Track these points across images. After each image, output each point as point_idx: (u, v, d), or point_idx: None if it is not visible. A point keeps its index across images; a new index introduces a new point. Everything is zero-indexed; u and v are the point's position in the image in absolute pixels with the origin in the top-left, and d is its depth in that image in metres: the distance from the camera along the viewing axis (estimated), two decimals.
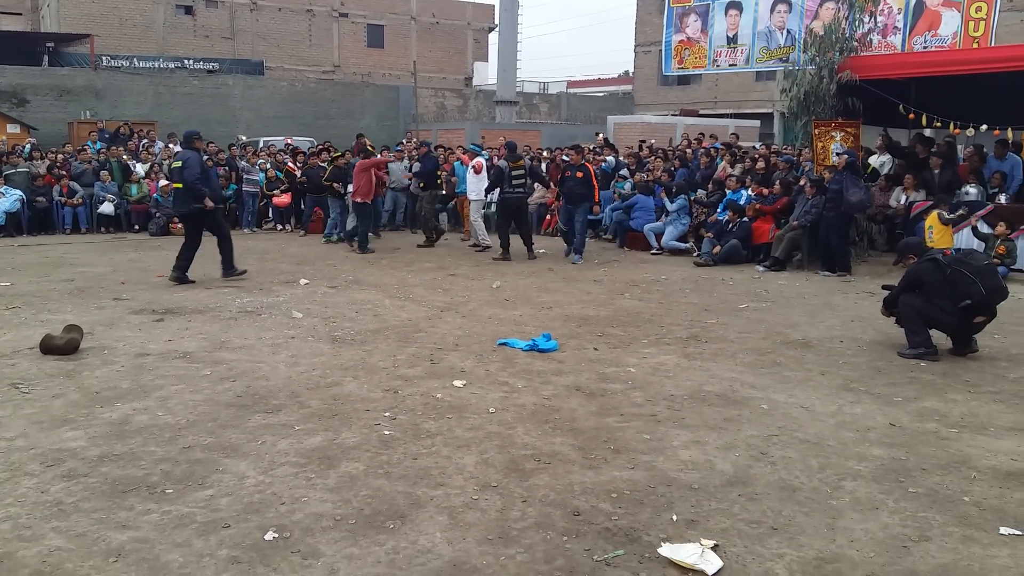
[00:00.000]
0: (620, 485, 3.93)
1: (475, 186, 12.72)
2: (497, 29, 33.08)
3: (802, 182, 11.04)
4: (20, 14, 35.09)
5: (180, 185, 9.37)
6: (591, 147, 17.31)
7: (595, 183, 11.59)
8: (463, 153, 15.24)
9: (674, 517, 3.61)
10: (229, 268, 9.73)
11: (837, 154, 10.71)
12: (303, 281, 9.58)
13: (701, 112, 30.05)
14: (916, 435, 4.69)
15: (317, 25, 37.38)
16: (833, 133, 11.19)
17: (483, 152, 13.90)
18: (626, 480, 3.99)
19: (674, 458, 4.27)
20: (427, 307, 8.24)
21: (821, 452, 4.40)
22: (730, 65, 20.21)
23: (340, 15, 37.87)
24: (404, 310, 8.08)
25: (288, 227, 15.51)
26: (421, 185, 13.67)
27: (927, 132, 12.04)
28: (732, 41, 19.62)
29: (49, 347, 6.16)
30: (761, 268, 10.83)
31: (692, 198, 12.70)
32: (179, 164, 9.44)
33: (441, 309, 8.13)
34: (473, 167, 12.82)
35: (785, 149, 15.24)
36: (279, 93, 29.17)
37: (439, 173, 13.89)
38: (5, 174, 14.38)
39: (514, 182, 11.68)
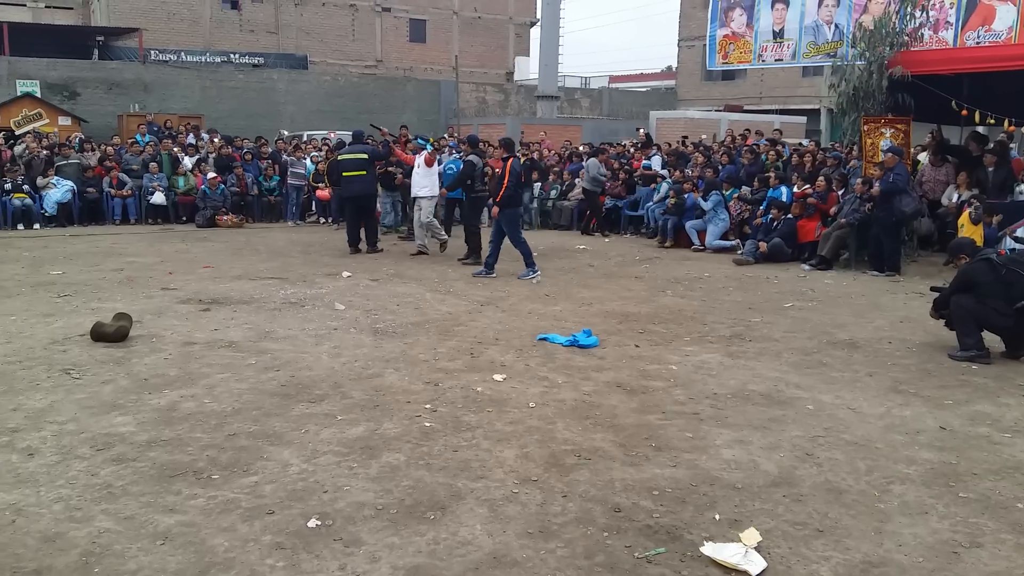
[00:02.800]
0: (662, 483, 3.89)
1: (426, 180, 11.35)
2: (539, 24, 33.02)
3: (857, 184, 10.78)
4: (71, 8, 35.87)
5: (364, 172, 11.48)
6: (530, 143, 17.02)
7: (506, 181, 9.54)
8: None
9: (717, 516, 3.57)
10: (374, 246, 11.77)
11: (884, 151, 10.49)
12: (345, 274, 9.66)
13: (746, 108, 29.65)
14: (967, 439, 4.57)
15: (360, 20, 37.64)
16: (883, 130, 10.95)
17: (430, 144, 12.84)
18: (668, 478, 3.95)
19: (717, 457, 4.22)
20: (467, 301, 8.25)
21: (869, 454, 4.31)
22: (776, 60, 19.90)
23: (383, 10, 38.09)
24: (444, 304, 8.11)
25: (330, 220, 15.66)
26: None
27: (980, 129, 11.72)
28: (778, 36, 19.31)
29: (100, 334, 6.30)
30: (807, 267, 10.65)
31: (736, 195, 12.52)
32: (364, 156, 11.56)
33: (481, 303, 8.14)
34: (424, 160, 11.47)
35: (833, 146, 14.97)
36: (322, 87, 29.49)
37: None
38: (57, 165, 14.74)
39: (484, 180, 11.12)
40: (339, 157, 12.63)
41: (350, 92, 29.80)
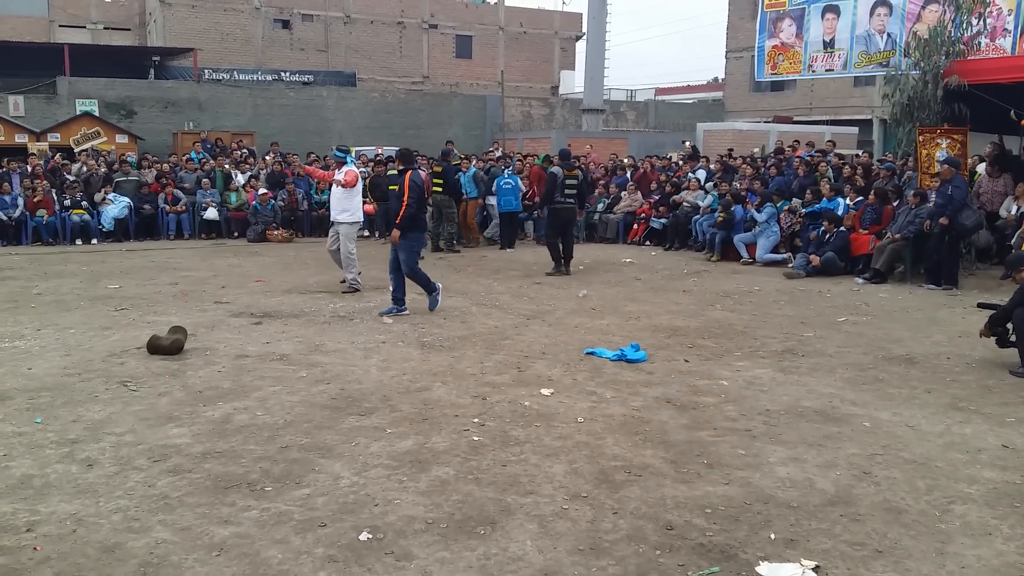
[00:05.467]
0: (714, 500, 3.83)
1: (346, 203, 9.51)
2: (585, 37, 33.07)
3: (910, 196, 10.54)
4: (129, 29, 37.04)
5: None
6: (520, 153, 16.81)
7: (405, 199, 8.15)
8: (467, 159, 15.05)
9: (772, 535, 3.49)
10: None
11: (940, 162, 10.24)
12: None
13: (796, 119, 29.22)
14: None
15: (407, 37, 38.15)
16: (939, 140, 10.71)
17: (351, 157, 10.27)
18: (721, 496, 3.89)
19: (771, 475, 4.14)
20: (513, 315, 8.26)
21: (928, 473, 4.19)
22: (827, 70, 19.60)
23: (430, 27, 38.55)
24: (490, 317, 8.12)
25: (376, 234, 15.81)
26: (438, 191, 13.41)
27: None
28: (829, 45, 19.03)
29: (156, 347, 6.45)
30: (860, 280, 10.42)
31: (786, 207, 12.34)
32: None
33: (527, 317, 8.14)
34: (344, 180, 9.43)
35: (887, 156, 14.68)
36: (370, 104, 29.87)
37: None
38: (115, 181, 15.18)
39: (567, 191, 11.13)
40: (386, 173, 13.08)
41: (397, 108, 30.14)
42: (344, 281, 9.68)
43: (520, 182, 14.34)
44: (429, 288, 8.41)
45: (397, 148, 13.12)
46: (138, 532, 3.49)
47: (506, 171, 14.40)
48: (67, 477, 4.05)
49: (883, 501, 3.86)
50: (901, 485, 4.04)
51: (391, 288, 8.36)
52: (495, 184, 14.13)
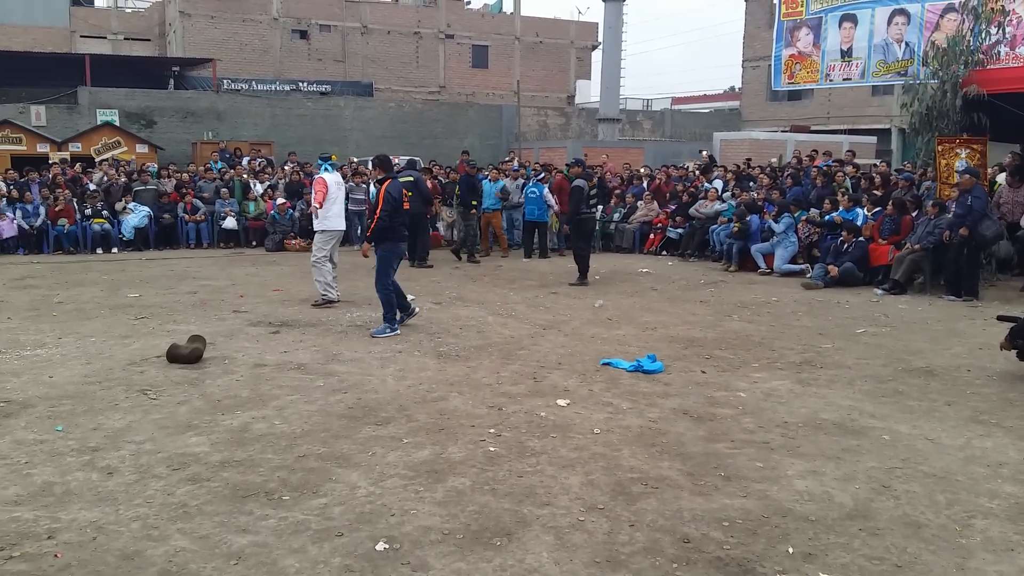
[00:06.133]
0: (732, 513, 3.81)
1: (320, 212, 9.11)
2: (600, 47, 33.14)
3: (930, 206, 10.46)
4: (149, 40, 37.50)
5: (411, 194, 10.65)
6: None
7: (379, 210, 7.75)
8: (499, 170, 15.12)
9: (790, 549, 3.47)
10: (423, 260, 12.45)
11: (959, 172, 10.17)
12: (409, 297, 9.75)
13: (813, 128, 29.10)
14: None
15: (424, 47, 38.36)
16: (958, 150, 10.64)
17: (330, 165, 9.65)
18: (738, 509, 3.87)
19: (789, 488, 4.12)
20: (529, 325, 8.26)
21: (949, 487, 4.15)
22: (844, 79, 19.52)
23: (446, 37, 38.75)
24: (507, 327, 8.13)
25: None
26: (457, 201, 13.53)
27: None
28: (846, 55, 18.96)
29: (175, 356, 6.51)
30: (879, 291, 10.33)
31: (804, 217, 12.28)
32: (411, 179, 11.56)
33: (543, 327, 8.14)
34: (321, 189, 9.11)
35: (905, 166, 14.59)
36: (387, 114, 30.05)
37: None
38: (135, 191, 15.34)
39: (591, 202, 11.34)
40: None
41: (414, 118, 30.31)
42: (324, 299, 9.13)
43: (547, 192, 14.35)
44: (390, 315, 7.75)
45: (416, 158, 13.30)
46: (157, 540, 3.52)
47: (532, 180, 14.55)
48: (88, 485, 4.09)
49: (902, 515, 3.83)
50: (921, 499, 4.01)
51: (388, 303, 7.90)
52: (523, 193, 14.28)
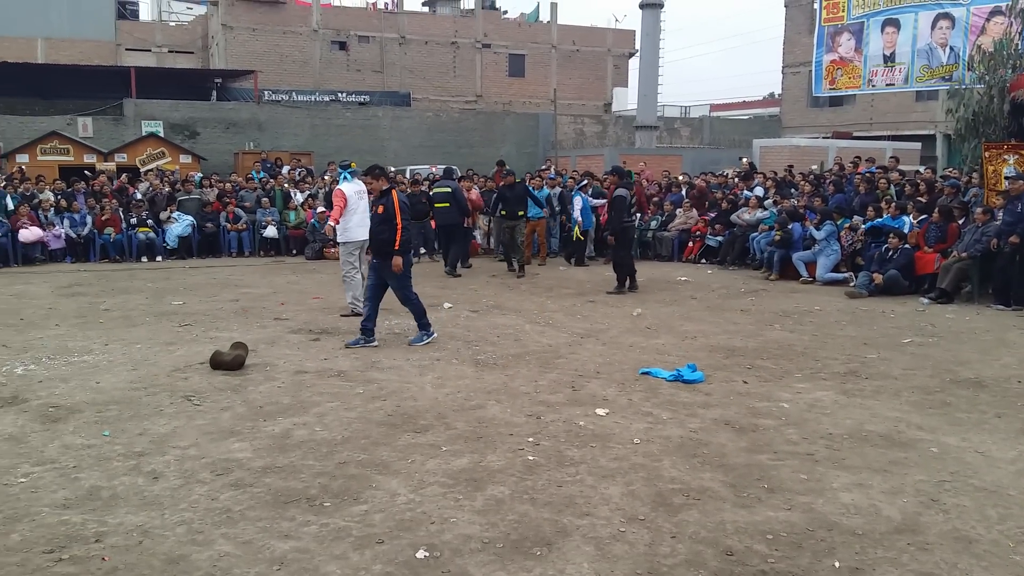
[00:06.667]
0: (776, 526, 3.75)
1: (343, 223, 9.02)
2: (638, 54, 33.05)
3: (978, 213, 10.22)
4: (192, 52, 38.32)
5: (448, 204, 12.78)
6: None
7: (398, 219, 7.50)
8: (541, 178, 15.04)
9: (836, 564, 3.40)
10: (453, 269, 12.62)
11: (1008, 178, 9.93)
12: (447, 305, 9.81)
13: (855, 134, 28.66)
14: None
15: (461, 57, 38.63)
16: (1006, 156, 10.41)
17: (348, 174, 9.38)
18: (782, 521, 3.80)
19: (834, 501, 4.04)
20: (567, 333, 8.23)
21: (1000, 502, 4.04)
22: (887, 85, 19.22)
23: (483, 46, 38.98)
24: (544, 336, 8.11)
25: (423, 253, 15.84)
26: (503, 212, 13.10)
27: None
28: (889, 60, 18.67)
29: (218, 363, 6.60)
30: (926, 300, 10.11)
31: (847, 225, 12.08)
32: (448, 190, 12.66)
33: (581, 336, 8.10)
34: (340, 202, 8.98)
35: (950, 172, 14.29)
36: (424, 123, 30.31)
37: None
38: (179, 200, 15.65)
39: (631, 210, 11.43)
40: (432, 191, 13.37)
41: (451, 127, 30.52)
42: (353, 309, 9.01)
43: (588, 200, 14.34)
44: (423, 321, 7.69)
45: (453, 167, 13.35)
46: (201, 545, 3.56)
47: (577, 188, 14.69)
48: (134, 489, 4.16)
49: (952, 530, 3.73)
50: (971, 513, 3.90)
51: (365, 316, 7.67)
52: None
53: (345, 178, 9.34)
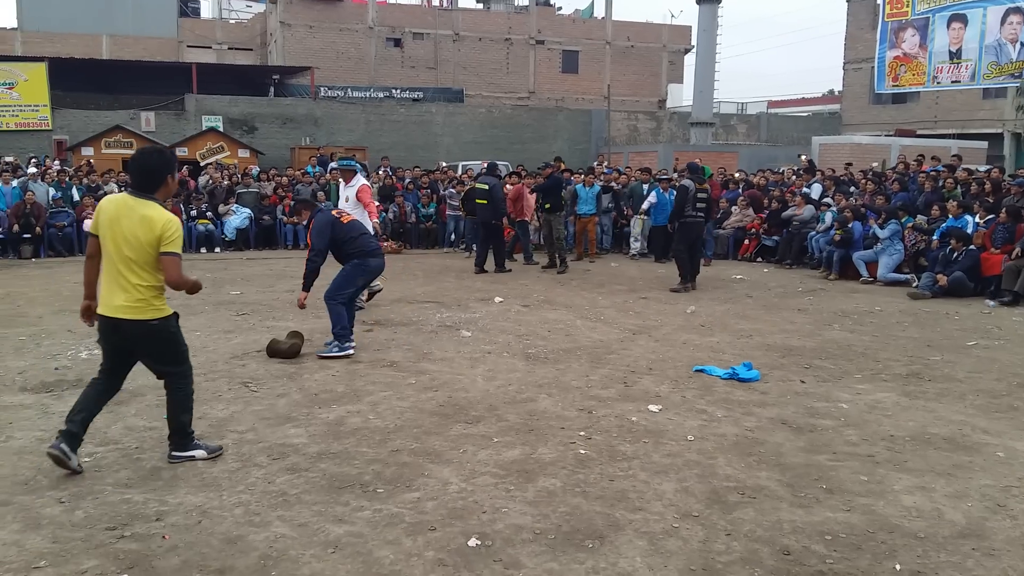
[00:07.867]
0: (835, 527, 3.66)
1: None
2: (694, 50, 32.64)
3: None
4: (251, 49, 39.01)
5: (486, 201, 12.31)
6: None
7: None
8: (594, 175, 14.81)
9: (897, 567, 3.31)
10: (501, 266, 12.44)
11: None
12: (498, 299, 9.82)
13: (919, 132, 27.85)
14: None
15: (514, 53, 38.61)
16: None
17: (359, 167, 9.39)
18: (841, 522, 3.71)
19: (896, 503, 3.93)
20: (619, 329, 8.17)
21: None
22: (953, 82, 18.69)
23: (537, 43, 38.90)
24: (595, 331, 8.06)
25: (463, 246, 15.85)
26: (547, 206, 12.90)
27: None
28: (955, 56, 18.14)
29: (275, 351, 6.72)
30: (992, 302, 9.78)
31: (911, 224, 11.75)
32: (486, 187, 12.31)
33: (633, 332, 8.03)
34: (361, 194, 8.92)
35: (1020, 172, 13.81)
36: (477, 119, 30.37)
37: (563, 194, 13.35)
38: (237, 193, 15.96)
39: (698, 205, 10.91)
40: (474, 187, 13.38)
41: (503, 123, 30.54)
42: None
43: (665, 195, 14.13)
44: (343, 333, 6.86)
45: (505, 163, 13.31)
46: (258, 526, 3.62)
47: (646, 186, 14.68)
48: (193, 471, 4.25)
49: (1020, 536, 3.60)
50: None
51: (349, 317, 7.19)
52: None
53: (358, 170, 9.37)
